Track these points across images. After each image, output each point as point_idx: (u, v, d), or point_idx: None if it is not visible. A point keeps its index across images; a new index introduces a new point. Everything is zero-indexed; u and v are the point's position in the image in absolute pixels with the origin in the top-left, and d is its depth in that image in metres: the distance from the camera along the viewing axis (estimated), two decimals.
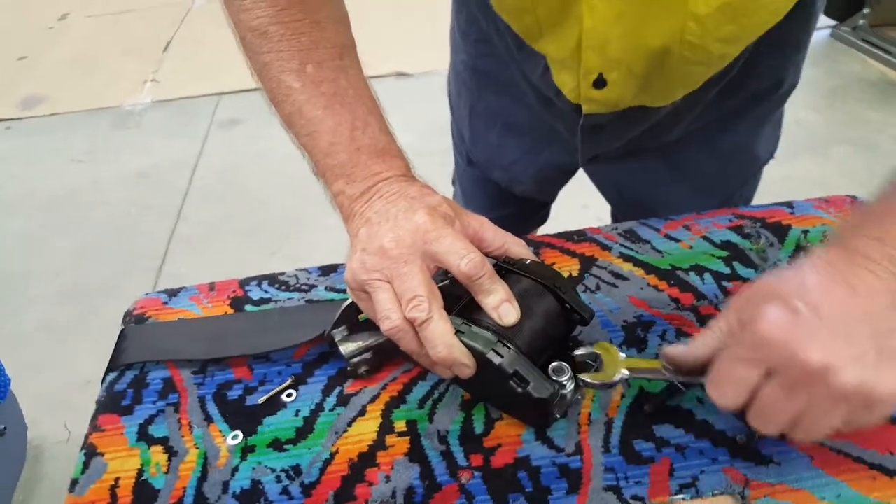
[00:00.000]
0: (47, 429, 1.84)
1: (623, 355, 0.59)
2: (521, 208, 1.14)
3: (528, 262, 0.61)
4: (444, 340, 0.53)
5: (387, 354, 0.66)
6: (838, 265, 0.49)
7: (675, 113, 0.80)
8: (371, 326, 0.63)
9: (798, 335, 0.46)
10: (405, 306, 0.54)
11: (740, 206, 0.83)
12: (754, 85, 0.82)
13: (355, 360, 0.65)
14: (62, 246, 2.48)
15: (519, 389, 0.54)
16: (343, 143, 0.61)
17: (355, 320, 0.66)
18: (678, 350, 0.55)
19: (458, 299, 0.58)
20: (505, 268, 0.60)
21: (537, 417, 0.60)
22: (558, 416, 0.60)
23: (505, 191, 1.07)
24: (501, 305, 0.56)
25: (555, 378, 0.57)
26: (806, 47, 0.83)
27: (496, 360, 0.53)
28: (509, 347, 0.54)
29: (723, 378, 0.51)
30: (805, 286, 0.49)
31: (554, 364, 0.58)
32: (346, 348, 0.65)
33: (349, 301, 0.64)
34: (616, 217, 1.13)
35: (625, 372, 0.57)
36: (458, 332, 0.54)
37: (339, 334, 0.66)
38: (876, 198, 0.53)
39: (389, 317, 0.55)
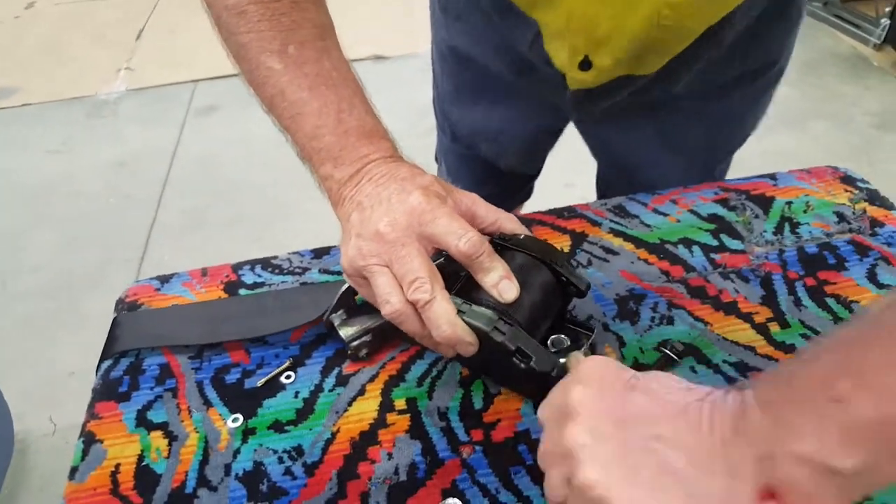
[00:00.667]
0: (32, 422, 1.83)
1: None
2: (505, 184, 1.15)
3: (521, 236, 0.61)
4: (447, 320, 0.54)
5: (386, 336, 0.66)
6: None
7: (660, 78, 0.81)
8: (369, 309, 0.63)
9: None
10: (407, 289, 0.54)
11: (725, 180, 0.84)
12: (748, 61, 0.84)
13: (355, 343, 0.65)
14: (41, 238, 2.45)
15: (522, 365, 0.54)
16: (329, 126, 0.61)
17: (353, 304, 0.66)
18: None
19: (454, 275, 0.59)
20: (499, 244, 0.61)
21: (539, 391, 0.60)
22: None
23: (489, 167, 1.08)
24: (501, 283, 0.56)
25: (554, 350, 0.58)
26: (797, 27, 0.85)
27: (498, 337, 0.54)
28: (510, 324, 0.55)
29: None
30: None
31: (553, 337, 0.59)
32: (345, 332, 0.65)
33: (347, 285, 0.64)
34: (601, 178, 1.14)
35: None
36: (459, 312, 0.55)
37: (337, 318, 0.66)
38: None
39: (390, 301, 0.55)
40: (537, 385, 0.58)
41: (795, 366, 0.40)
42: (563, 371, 0.57)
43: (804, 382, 0.38)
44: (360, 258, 0.56)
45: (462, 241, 0.55)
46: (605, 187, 1.11)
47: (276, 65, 0.61)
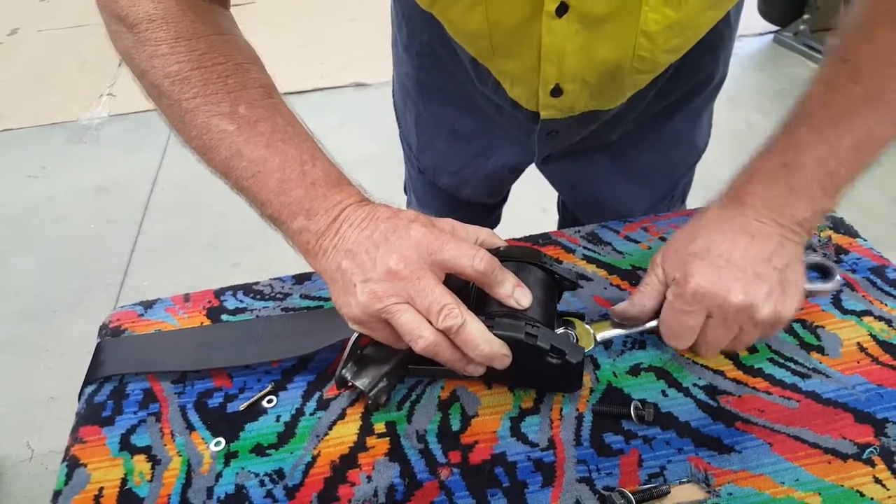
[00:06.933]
0: (10, 448, 1.81)
1: (587, 326, 0.68)
2: (473, 212, 1.17)
3: (501, 248, 0.64)
4: (483, 338, 0.55)
5: (399, 376, 0.65)
6: (735, 219, 0.63)
7: (619, 114, 0.85)
8: (377, 355, 0.64)
9: (723, 284, 0.60)
10: (436, 318, 0.55)
11: (694, 207, 0.87)
12: (689, 81, 0.88)
13: (374, 391, 0.63)
14: (22, 263, 2.44)
15: (556, 361, 0.57)
16: (295, 180, 0.60)
17: (358, 355, 0.65)
18: (624, 306, 0.67)
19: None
20: None
21: (571, 382, 0.63)
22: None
23: (455, 196, 1.11)
24: (515, 291, 0.58)
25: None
26: (731, 41, 0.89)
27: (532, 340, 0.57)
28: (536, 326, 0.57)
29: (676, 328, 0.64)
30: (714, 242, 0.62)
31: (560, 330, 0.63)
32: (363, 383, 0.63)
33: (353, 338, 0.63)
34: (566, 209, 1.18)
35: (598, 337, 0.67)
36: (489, 328, 0.56)
37: (349, 372, 0.64)
38: (755, 154, 0.67)
39: (423, 335, 0.55)
40: (569, 376, 0.61)
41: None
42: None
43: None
44: (376, 301, 0.55)
45: (476, 261, 0.56)
46: (573, 218, 1.14)
47: (228, 126, 0.60)
